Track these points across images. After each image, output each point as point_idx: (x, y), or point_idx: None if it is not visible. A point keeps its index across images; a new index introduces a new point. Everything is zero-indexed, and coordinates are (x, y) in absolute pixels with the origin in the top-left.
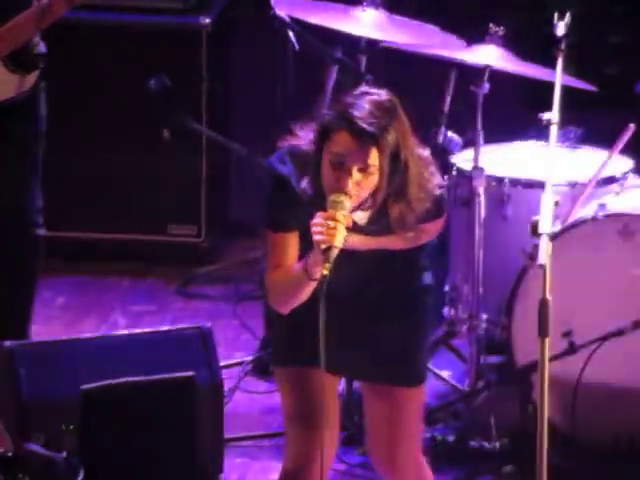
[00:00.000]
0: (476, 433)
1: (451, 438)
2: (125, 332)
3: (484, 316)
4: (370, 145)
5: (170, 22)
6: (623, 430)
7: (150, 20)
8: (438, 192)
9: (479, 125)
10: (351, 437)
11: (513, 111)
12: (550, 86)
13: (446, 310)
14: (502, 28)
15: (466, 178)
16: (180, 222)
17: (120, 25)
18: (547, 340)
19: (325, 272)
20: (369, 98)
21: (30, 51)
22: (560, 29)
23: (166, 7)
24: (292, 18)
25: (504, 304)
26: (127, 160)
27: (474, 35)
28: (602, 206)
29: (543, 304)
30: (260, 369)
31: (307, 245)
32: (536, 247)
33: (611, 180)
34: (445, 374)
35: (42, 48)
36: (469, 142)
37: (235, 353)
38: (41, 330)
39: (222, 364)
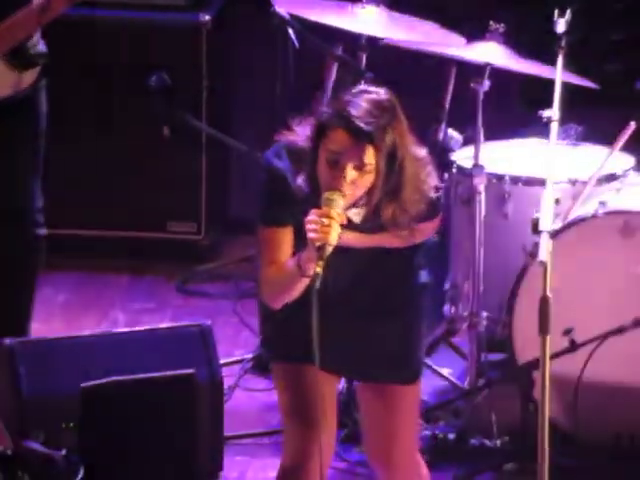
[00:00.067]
0: (477, 431)
1: (452, 436)
2: (125, 330)
3: (485, 314)
4: (366, 143)
5: (170, 19)
6: (624, 428)
7: (150, 17)
8: (434, 194)
9: (479, 122)
10: (351, 435)
11: (513, 108)
12: (551, 83)
13: (446, 308)
14: (502, 25)
15: (466, 176)
16: (180, 219)
17: (120, 22)
18: (548, 338)
19: (318, 269)
20: (367, 97)
21: (30, 49)
22: (560, 26)
23: (166, 4)
24: (292, 15)
25: (505, 302)
26: (127, 157)
27: (474, 32)
28: (603, 204)
29: (544, 302)
30: (260, 367)
31: (301, 242)
32: (536, 245)
33: (612, 178)
34: (446, 372)
35: (42, 46)
36: (469, 139)
37: (235, 351)
38: (40, 327)
39: (222, 362)
